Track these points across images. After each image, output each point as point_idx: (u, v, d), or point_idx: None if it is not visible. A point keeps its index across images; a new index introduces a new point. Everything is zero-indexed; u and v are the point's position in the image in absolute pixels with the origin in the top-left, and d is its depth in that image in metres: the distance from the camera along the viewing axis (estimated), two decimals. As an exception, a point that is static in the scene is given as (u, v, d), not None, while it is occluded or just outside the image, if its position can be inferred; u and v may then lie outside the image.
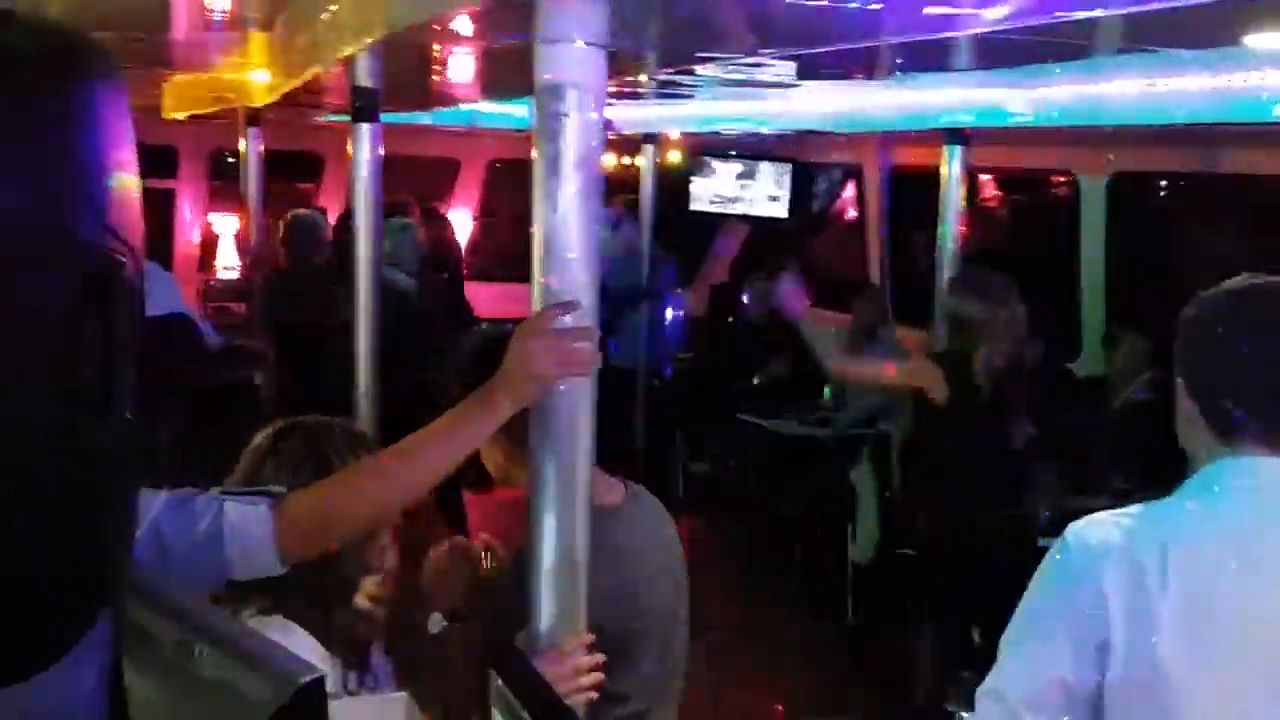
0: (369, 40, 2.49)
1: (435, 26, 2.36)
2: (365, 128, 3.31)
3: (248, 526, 1.66)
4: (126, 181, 1.41)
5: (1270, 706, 1.67)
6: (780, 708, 4.95)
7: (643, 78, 4.43)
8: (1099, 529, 1.75)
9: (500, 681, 1.07)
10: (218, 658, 1.29)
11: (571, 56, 1.67)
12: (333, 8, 2.82)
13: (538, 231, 1.72)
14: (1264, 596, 1.68)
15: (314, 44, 3.08)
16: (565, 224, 1.70)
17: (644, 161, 7.22)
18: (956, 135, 4.62)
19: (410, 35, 2.51)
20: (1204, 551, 1.70)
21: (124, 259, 1.39)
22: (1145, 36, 2.79)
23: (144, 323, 1.52)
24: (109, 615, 1.47)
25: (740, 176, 8.28)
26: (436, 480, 1.75)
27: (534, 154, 1.71)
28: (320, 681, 1.22)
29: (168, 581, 1.40)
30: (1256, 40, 2.67)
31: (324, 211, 7.95)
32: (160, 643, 1.35)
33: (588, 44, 1.67)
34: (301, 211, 5.85)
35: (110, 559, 1.45)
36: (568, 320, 1.70)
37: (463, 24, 2.42)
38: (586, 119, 1.68)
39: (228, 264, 8.63)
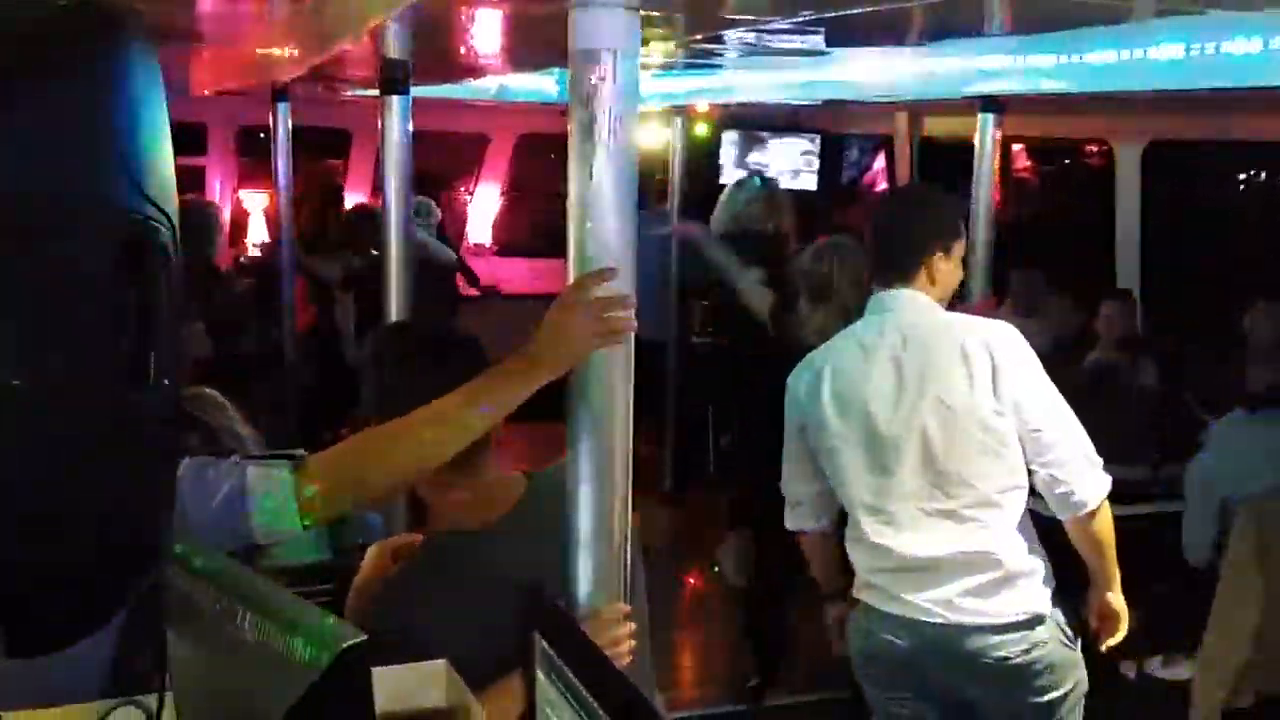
0: (397, 9, 2.48)
1: (466, -6, 2.34)
2: (395, 100, 3.29)
3: (270, 490, 1.67)
4: (161, 149, 1.40)
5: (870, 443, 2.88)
6: (807, 673, 4.95)
7: (671, 46, 4.40)
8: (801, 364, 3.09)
9: (545, 643, 1.07)
10: (261, 622, 1.29)
11: (607, 20, 1.65)
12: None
13: (573, 199, 1.71)
14: (870, 375, 2.88)
15: (342, 15, 3.07)
16: (600, 191, 1.69)
17: (672, 134, 7.18)
18: (991, 103, 4.56)
19: (439, 3, 2.50)
20: (844, 355, 2.97)
21: (160, 226, 1.39)
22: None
23: (179, 291, 1.52)
24: (147, 582, 1.48)
25: (769, 148, 8.23)
26: (462, 445, 1.74)
27: (569, 121, 1.70)
28: (363, 645, 1.22)
29: (202, 546, 1.41)
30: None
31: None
32: (203, 608, 1.36)
33: (623, 7, 1.66)
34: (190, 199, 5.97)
35: (154, 525, 1.46)
36: (604, 288, 1.69)
37: (494, -9, 2.41)
38: (622, 84, 1.67)
39: (258, 240, 8.66)
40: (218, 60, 5.95)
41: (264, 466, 1.69)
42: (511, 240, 9.70)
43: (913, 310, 2.92)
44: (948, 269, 2.97)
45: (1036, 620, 2.94)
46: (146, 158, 1.36)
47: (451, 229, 9.10)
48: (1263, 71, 3.50)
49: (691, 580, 6.24)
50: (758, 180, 6.06)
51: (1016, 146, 8.48)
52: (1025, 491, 2.90)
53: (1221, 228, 6.22)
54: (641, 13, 1.72)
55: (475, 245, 9.78)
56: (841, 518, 3.14)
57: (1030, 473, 2.87)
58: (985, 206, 4.65)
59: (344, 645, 1.19)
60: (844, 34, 4.23)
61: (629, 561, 2.06)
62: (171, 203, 1.44)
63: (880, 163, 8.91)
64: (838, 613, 3.25)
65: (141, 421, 1.41)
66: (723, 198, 5.81)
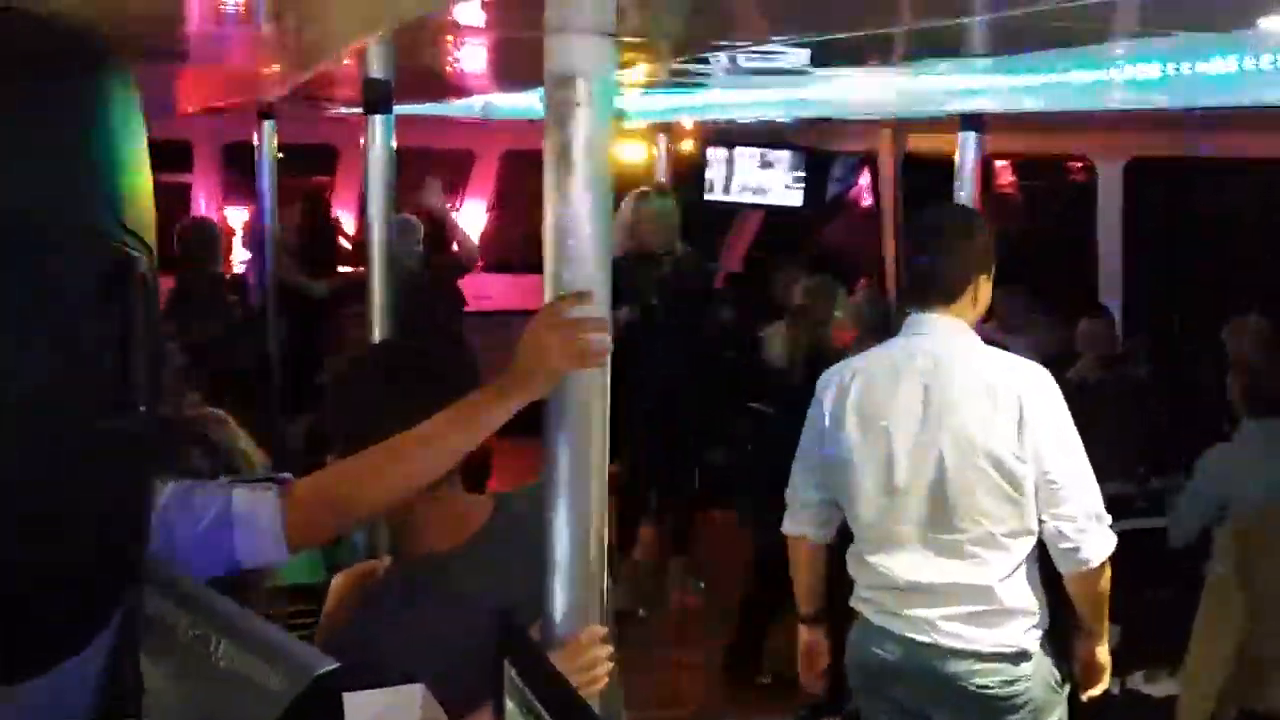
0: (379, 33, 2.49)
1: (445, 17, 2.35)
2: (378, 119, 3.31)
3: (255, 514, 1.67)
4: (140, 179, 1.41)
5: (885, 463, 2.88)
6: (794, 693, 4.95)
7: (655, 66, 4.43)
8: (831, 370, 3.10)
9: (514, 672, 1.07)
10: (235, 649, 1.30)
11: (581, 46, 1.67)
12: (343, -1, 2.82)
13: (548, 222, 1.72)
14: (896, 394, 2.88)
15: (324, 35, 3.08)
16: (576, 215, 1.70)
17: (657, 151, 7.20)
18: (972, 121, 4.59)
19: (420, 26, 2.51)
20: (876, 371, 2.96)
21: (139, 255, 1.39)
22: (1161, 19, 2.78)
23: (158, 317, 1.53)
24: (124, 607, 1.48)
25: (755, 165, 8.25)
26: (446, 468, 1.75)
27: (544, 144, 1.71)
28: (336, 672, 1.23)
29: (178, 572, 1.41)
30: (1271, 23, 2.65)
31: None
32: (177, 633, 1.36)
33: (598, 34, 1.67)
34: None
35: (128, 551, 1.46)
36: (579, 311, 1.70)
37: (472, 14, 2.42)
38: (597, 108, 1.68)
39: (243, 258, 8.65)
40: (203, 78, 5.96)
41: (250, 490, 1.70)
42: (498, 257, 9.70)
43: (948, 336, 2.91)
44: (988, 289, 2.98)
45: (1022, 656, 2.95)
46: (126, 189, 1.36)
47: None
48: (1237, 91, 3.54)
49: (676, 597, 6.23)
50: (656, 195, 6.00)
51: (1000, 163, 8.53)
52: (1034, 538, 2.90)
53: (1203, 243, 6.26)
54: (619, 38, 1.74)
55: (461, 262, 9.78)
56: (841, 534, 3.13)
57: (1040, 522, 2.87)
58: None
59: (316, 673, 1.20)
60: (827, 53, 4.26)
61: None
62: (150, 234, 1.45)
63: (865, 179, 8.94)
64: (810, 639, 3.24)
65: (118, 445, 1.41)
66: (621, 211, 5.68)
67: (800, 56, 4.29)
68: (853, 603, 3.05)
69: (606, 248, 1.74)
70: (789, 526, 3.18)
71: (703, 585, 6.18)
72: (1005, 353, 3.08)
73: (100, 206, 1.20)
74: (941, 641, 2.87)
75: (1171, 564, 4.62)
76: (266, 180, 5.94)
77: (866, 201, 8.91)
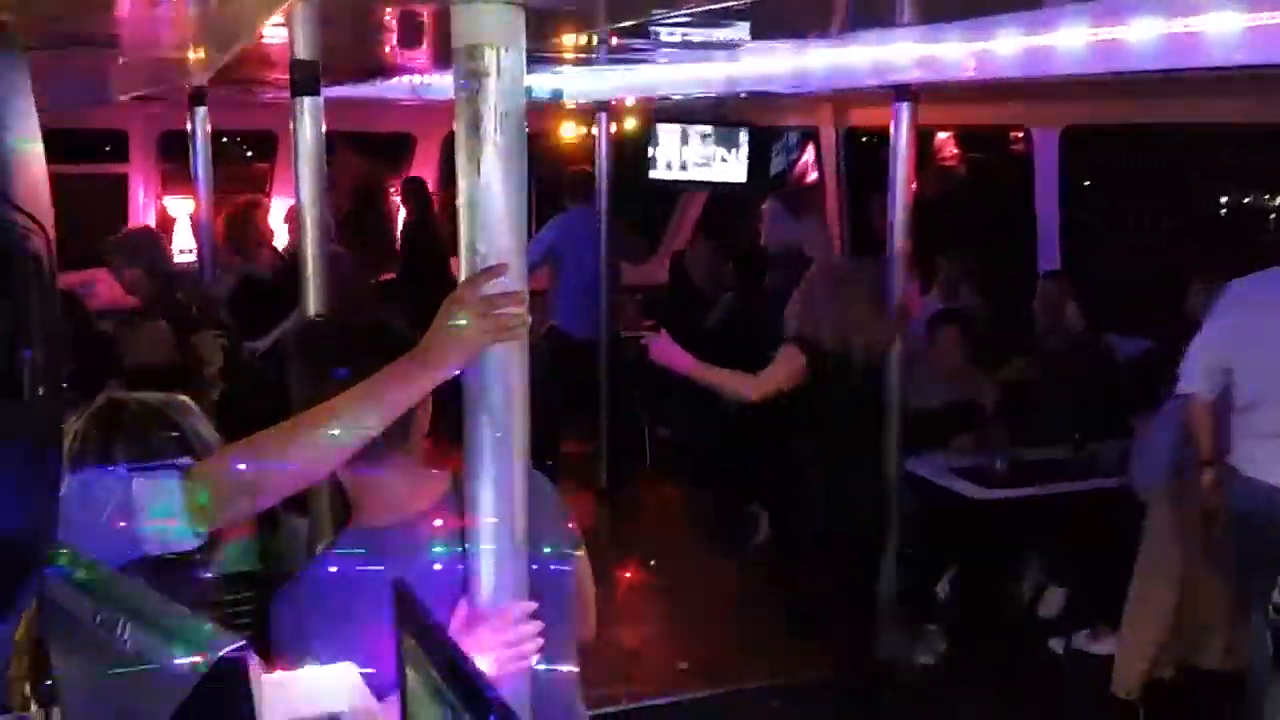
0: (291, 2, 2.46)
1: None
2: (306, 102, 3.26)
3: (158, 500, 1.64)
4: (30, 155, 1.38)
5: None
6: (746, 663, 4.99)
7: (594, 41, 4.40)
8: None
9: (412, 643, 1.07)
10: (141, 632, 1.28)
11: (489, 15, 1.65)
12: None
13: (463, 196, 1.70)
14: None
15: (241, 13, 3.04)
16: (489, 188, 1.68)
17: (598, 130, 7.17)
18: (904, 92, 4.61)
19: (337, 1, 2.48)
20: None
21: (29, 232, 1.36)
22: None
23: (55, 298, 1.49)
24: (30, 595, 1.46)
25: (698, 143, 8.25)
26: (356, 445, 1.72)
27: (455, 119, 1.69)
28: (242, 650, 1.21)
29: (85, 558, 1.39)
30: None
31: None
32: (82, 620, 1.34)
33: (505, 2, 1.65)
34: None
35: (29, 540, 1.43)
36: (495, 285, 1.68)
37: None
38: (506, 79, 1.66)
39: (184, 247, 8.53)
40: (134, 65, 5.85)
41: (149, 477, 1.67)
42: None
43: None
44: None
45: None
46: (13, 166, 1.33)
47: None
48: (1167, 55, 3.57)
49: (629, 575, 6.25)
50: None
51: (943, 135, 8.58)
52: None
53: (1138, 210, 6.33)
54: (531, 8, 1.72)
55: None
56: None
57: None
58: (901, 194, 4.70)
59: (222, 652, 1.19)
60: (765, 26, 4.26)
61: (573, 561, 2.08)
62: (43, 206, 1.41)
63: (809, 154, 8.96)
64: (1211, 478, 3.95)
65: (15, 433, 1.38)
66: None
67: (738, 30, 4.29)
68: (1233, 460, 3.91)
69: (521, 220, 1.72)
70: (1187, 385, 4.07)
71: (653, 563, 6.20)
72: None
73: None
74: None
75: (1113, 525, 4.69)
76: (201, 167, 5.84)
77: (812, 176, 8.93)
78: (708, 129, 8.13)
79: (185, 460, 1.73)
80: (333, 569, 1.92)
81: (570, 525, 2.13)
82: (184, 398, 2.10)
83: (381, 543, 1.90)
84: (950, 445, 5.19)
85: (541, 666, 1.82)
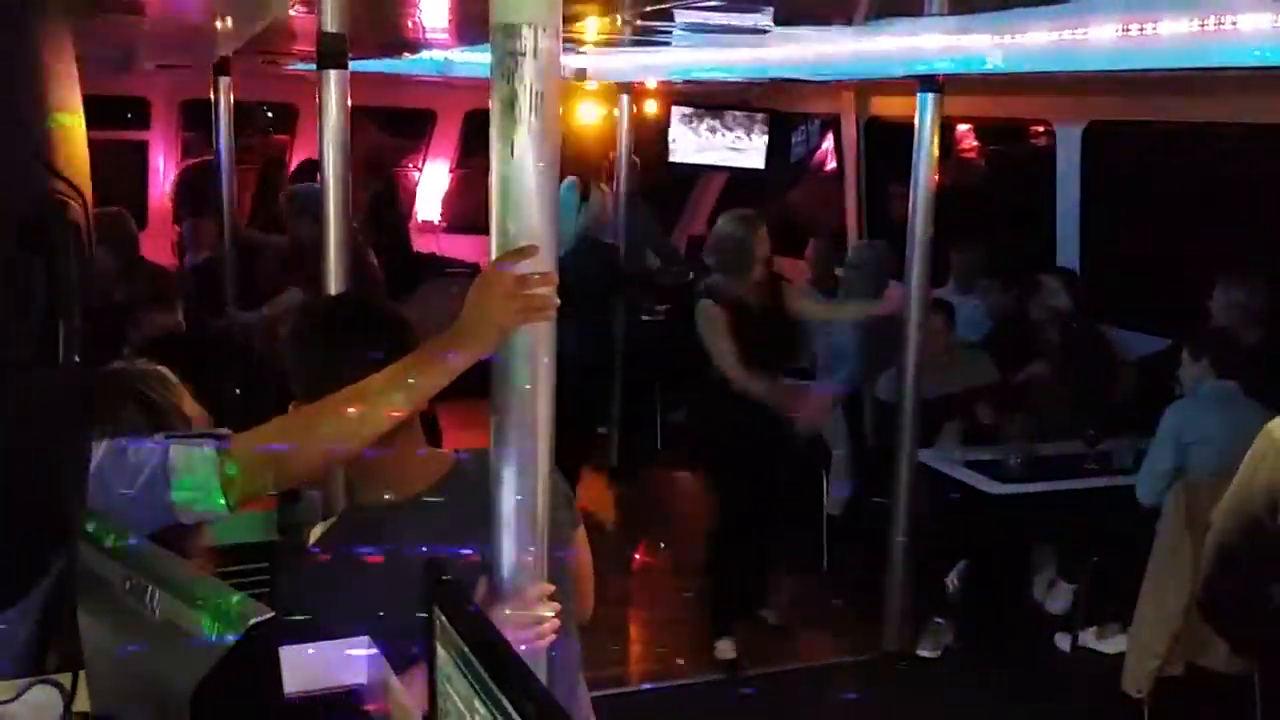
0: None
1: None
2: (333, 75, 3.27)
3: (192, 469, 1.65)
4: (68, 121, 1.38)
5: None
6: (756, 652, 5.00)
7: (619, 22, 4.40)
8: None
9: (444, 619, 1.07)
10: (170, 600, 1.29)
11: (527, -5, 1.64)
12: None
13: (495, 176, 1.70)
14: None
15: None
16: (522, 168, 1.67)
17: (619, 112, 7.16)
18: (930, 83, 4.60)
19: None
20: None
21: (70, 201, 1.37)
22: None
23: (91, 267, 1.50)
24: (61, 560, 1.47)
25: (719, 127, 8.24)
26: (387, 426, 1.73)
27: (491, 97, 1.69)
28: (270, 621, 1.22)
29: (116, 527, 1.40)
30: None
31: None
32: (113, 586, 1.35)
33: (544, -17, 1.65)
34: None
35: (62, 505, 1.45)
36: (526, 266, 1.68)
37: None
38: (543, 59, 1.66)
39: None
40: (159, 34, 5.86)
41: (186, 446, 1.68)
42: (460, 217, 9.65)
43: None
44: None
45: None
46: (56, 135, 1.34)
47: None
48: (1194, 54, 3.56)
49: (639, 556, 6.27)
50: None
51: (963, 127, 8.55)
52: None
53: (1161, 208, 6.30)
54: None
55: (424, 223, 9.73)
56: None
57: None
58: (925, 185, 4.69)
59: (251, 622, 1.20)
60: (789, 12, 4.24)
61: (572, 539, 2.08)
62: (83, 176, 1.42)
63: (829, 142, 8.94)
64: None
65: (49, 398, 1.39)
66: None
67: (762, 16, 4.28)
68: None
69: (553, 202, 1.72)
70: None
71: (663, 545, 6.22)
72: None
73: (24, 154, 1.18)
74: None
75: (1124, 523, 4.69)
76: (224, 137, 5.85)
77: (831, 165, 8.92)
78: (728, 114, 8.13)
79: (224, 431, 1.74)
80: (334, 547, 1.93)
81: (571, 503, 2.14)
82: (162, 369, 2.10)
83: (381, 521, 1.91)
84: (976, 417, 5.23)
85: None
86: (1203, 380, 4.44)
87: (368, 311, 2.08)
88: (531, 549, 1.78)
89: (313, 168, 8.42)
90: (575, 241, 6.36)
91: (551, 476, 2.08)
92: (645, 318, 7.30)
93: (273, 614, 1.19)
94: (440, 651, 1.08)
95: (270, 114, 9.32)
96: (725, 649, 4.88)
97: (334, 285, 3.36)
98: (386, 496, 1.95)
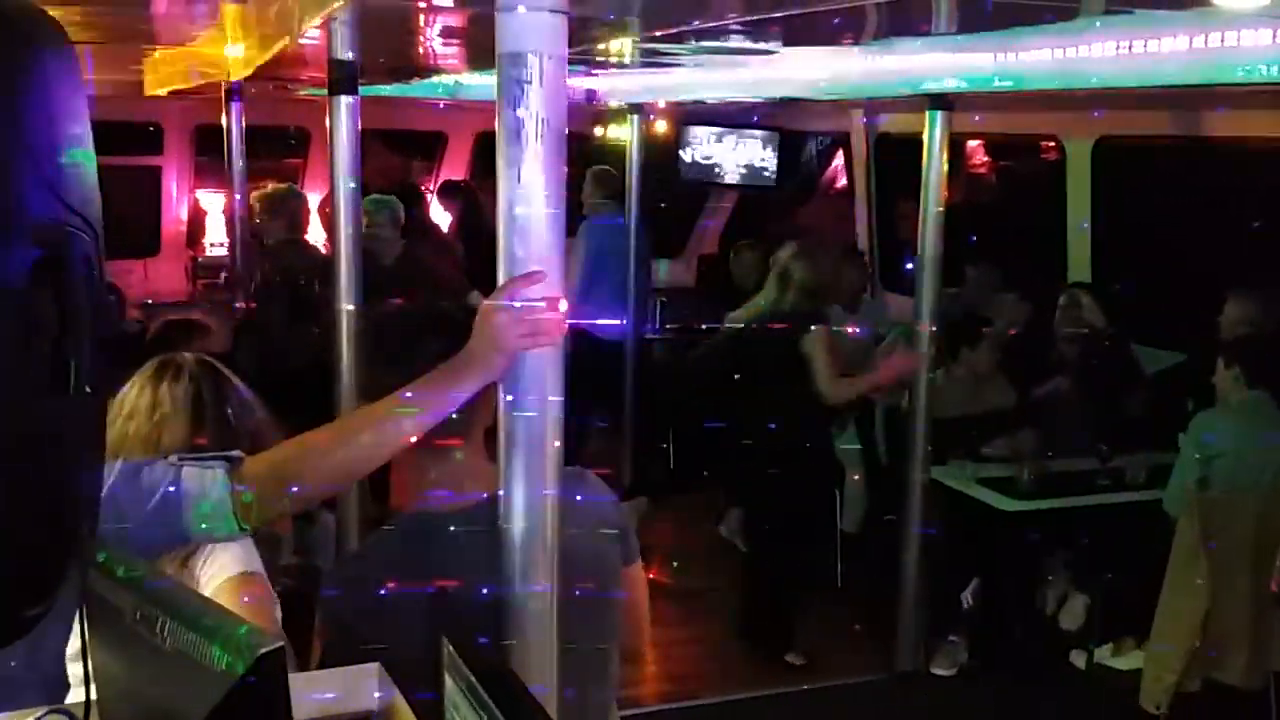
0: (335, 7, 2.48)
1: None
2: (343, 101, 3.30)
3: (205, 491, 1.66)
4: (80, 156, 1.39)
5: None
6: (768, 669, 4.99)
7: (627, 45, 4.41)
8: None
9: (451, 649, 1.08)
10: (180, 629, 1.30)
11: (532, 23, 1.66)
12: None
13: (502, 201, 1.71)
14: None
15: (283, 14, 3.07)
16: (529, 193, 1.69)
17: (630, 131, 7.18)
18: (939, 100, 4.60)
19: (378, 5, 2.50)
20: None
21: (79, 234, 1.38)
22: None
23: (103, 298, 1.51)
24: (72, 590, 1.47)
25: (728, 146, 8.26)
26: (398, 449, 1.74)
27: (497, 124, 1.70)
28: (279, 651, 1.23)
29: (127, 551, 1.41)
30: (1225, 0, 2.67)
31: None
32: (123, 614, 1.36)
33: (549, 10, 1.66)
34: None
35: (73, 535, 1.45)
36: (534, 291, 1.69)
37: (430, -7, 2.41)
38: (549, 87, 1.67)
39: (215, 240, 8.60)
40: (170, 61, 5.91)
41: (200, 468, 1.69)
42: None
43: None
44: None
45: None
46: (67, 167, 1.35)
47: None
48: (1199, 71, 3.56)
49: (650, 577, 6.25)
50: None
51: (973, 143, 8.55)
52: None
53: (1171, 223, 6.28)
54: (573, 15, 1.73)
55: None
56: None
57: None
58: (934, 202, 4.69)
59: (260, 652, 1.20)
60: (796, 34, 4.26)
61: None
62: (94, 210, 1.43)
63: (839, 159, 8.95)
64: None
65: (62, 429, 1.40)
66: None
67: (770, 36, 4.29)
68: None
69: (561, 226, 1.73)
70: None
71: (675, 564, 6.20)
72: None
73: (36, 186, 1.19)
74: None
75: (1138, 539, 4.66)
76: (237, 162, 5.90)
77: (841, 182, 8.92)
78: (738, 132, 8.15)
79: (236, 454, 1.75)
80: (385, 552, 1.93)
81: (626, 537, 2.11)
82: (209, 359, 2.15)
83: (430, 530, 1.91)
84: (980, 452, 5.18)
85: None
86: (1233, 390, 4.42)
87: (424, 318, 2.07)
88: (542, 579, 1.78)
89: (453, 188, 8.55)
90: None
91: (608, 510, 2.08)
92: (651, 337, 7.29)
93: (281, 643, 1.20)
94: (448, 681, 1.08)
95: (280, 138, 9.39)
96: (794, 658, 5.08)
97: (346, 299, 3.39)
98: (434, 503, 1.92)
